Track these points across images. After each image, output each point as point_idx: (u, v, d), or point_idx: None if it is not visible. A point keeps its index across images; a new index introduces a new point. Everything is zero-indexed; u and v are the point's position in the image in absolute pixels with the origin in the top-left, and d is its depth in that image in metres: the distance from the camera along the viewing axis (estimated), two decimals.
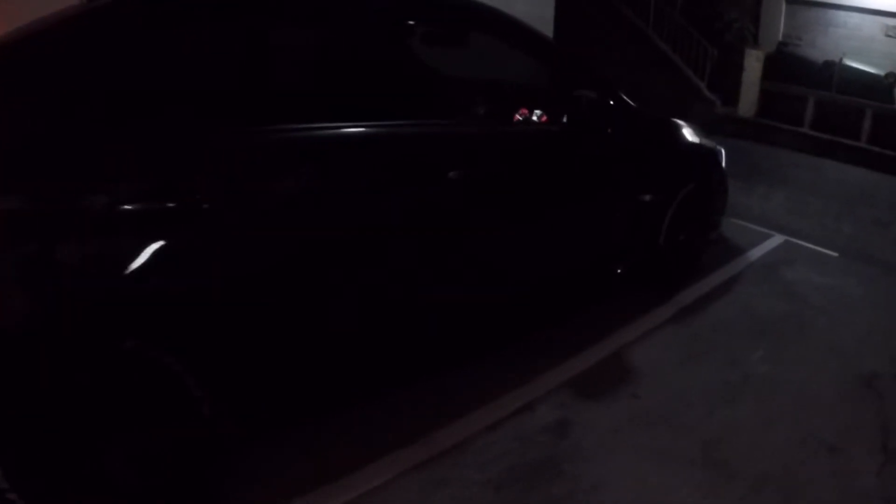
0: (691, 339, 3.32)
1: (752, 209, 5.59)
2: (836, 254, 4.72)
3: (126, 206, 1.78)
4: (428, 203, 2.41)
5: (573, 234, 3.03)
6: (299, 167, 2.12)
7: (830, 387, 3.00)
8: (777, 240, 4.93)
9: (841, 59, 8.07)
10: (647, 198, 3.34)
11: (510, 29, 2.83)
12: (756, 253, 4.61)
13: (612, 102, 3.05)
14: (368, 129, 2.29)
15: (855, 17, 7.96)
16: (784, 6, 8.69)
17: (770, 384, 2.98)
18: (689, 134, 3.89)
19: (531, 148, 2.84)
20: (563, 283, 3.16)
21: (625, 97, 3.28)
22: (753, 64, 8.41)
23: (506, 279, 2.82)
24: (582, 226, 3.06)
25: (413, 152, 2.39)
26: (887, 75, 7.96)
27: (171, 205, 1.83)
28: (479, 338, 2.93)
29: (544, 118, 3.23)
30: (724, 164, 4.10)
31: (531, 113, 3.31)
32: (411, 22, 2.53)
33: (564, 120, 2.92)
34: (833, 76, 8.03)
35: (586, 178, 3.00)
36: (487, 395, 2.72)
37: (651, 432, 2.61)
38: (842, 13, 8.28)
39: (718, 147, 4.07)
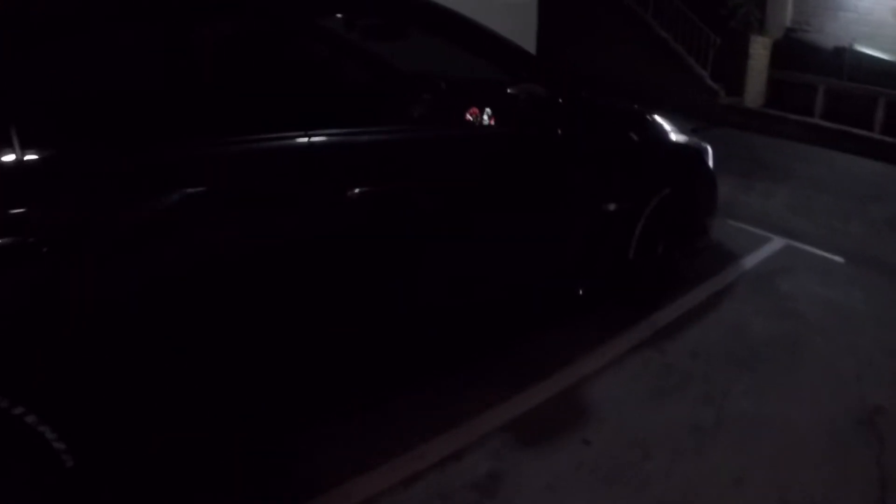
0: (663, 369, 2.85)
1: (752, 209, 5.07)
2: (842, 259, 4.19)
3: None
4: (326, 226, 1.99)
5: (513, 250, 2.57)
6: (171, 191, 1.71)
7: (822, 427, 2.51)
8: (777, 244, 4.42)
9: (851, 45, 7.45)
10: (611, 207, 2.86)
11: (434, 16, 2.38)
12: (751, 260, 4.10)
13: (562, 100, 2.58)
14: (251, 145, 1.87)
15: (866, 1, 7.33)
16: None
17: (750, 426, 2.51)
18: (666, 132, 3.40)
19: (461, 154, 2.39)
20: (501, 306, 2.69)
21: (584, 93, 2.82)
22: (760, 51, 7.81)
23: (428, 303, 2.38)
24: (524, 241, 2.59)
25: (309, 167, 1.96)
26: None
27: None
28: (398, 370, 2.50)
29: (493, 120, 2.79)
30: (711, 164, 3.61)
31: (482, 113, 2.87)
32: (318, 15, 2.12)
33: (498, 122, 2.47)
34: (844, 63, 7.42)
35: (528, 186, 2.54)
36: (407, 442, 2.30)
37: (597, 490, 2.16)
38: None
39: (704, 145, 3.58)
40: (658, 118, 3.56)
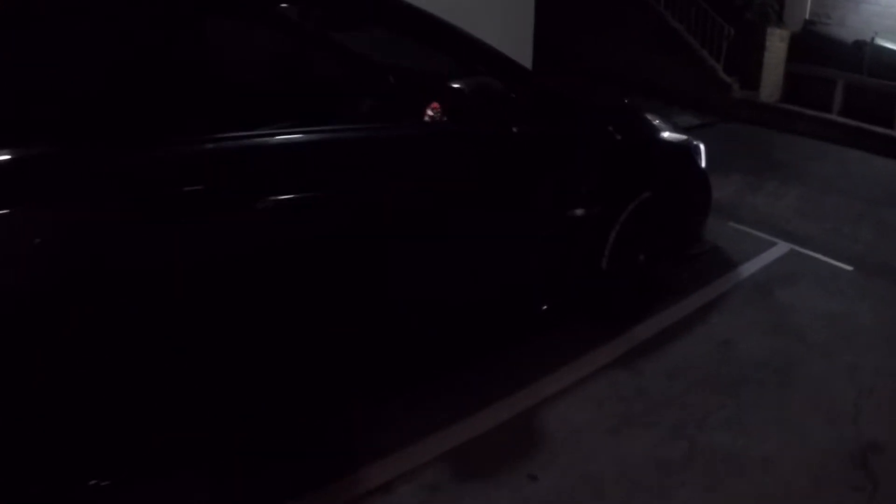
0: (635, 393, 2.53)
1: (757, 210, 4.68)
2: (850, 267, 3.80)
3: None
4: (233, 238, 1.73)
5: (459, 262, 2.26)
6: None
7: (808, 467, 2.18)
8: (780, 249, 4.04)
9: (873, 39, 6.93)
10: (578, 213, 2.54)
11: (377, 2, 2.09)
12: (751, 267, 3.74)
13: (520, 95, 2.27)
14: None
15: None
16: None
17: (724, 463, 2.18)
18: (653, 130, 3.07)
19: (398, 155, 2.09)
20: (447, 324, 2.38)
21: (549, 86, 2.50)
22: (777, 44, 7.32)
23: (361, 322, 2.09)
24: (473, 252, 2.28)
25: (220, 170, 1.70)
26: None
27: None
28: (331, 392, 2.21)
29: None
30: (703, 164, 3.26)
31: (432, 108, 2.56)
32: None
33: (445, 118, 2.17)
34: (864, 57, 6.90)
35: (478, 190, 2.23)
36: (336, 469, 2.03)
37: None
38: None
39: (695, 143, 3.23)
40: (647, 115, 3.22)
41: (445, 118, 2.20)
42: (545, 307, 2.63)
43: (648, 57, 7.99)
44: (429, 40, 2.17)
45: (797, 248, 4.05)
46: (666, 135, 3.11)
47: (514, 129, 2.27)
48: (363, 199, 1.95)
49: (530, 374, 2.54)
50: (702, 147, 3.25)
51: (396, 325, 2.16)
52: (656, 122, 3.16)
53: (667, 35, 7.88)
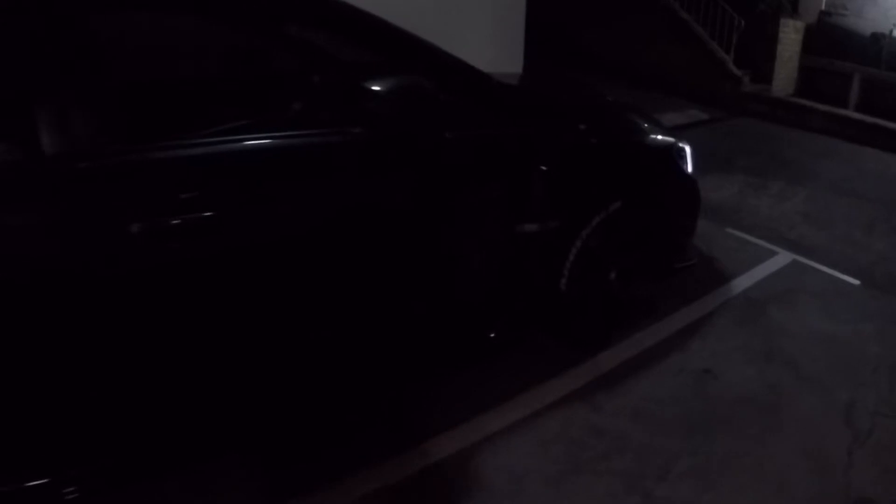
0: (590, 433, 2.18)
1: (759, 214, 4.28)
2: (857, 282, 3.40)
3: None
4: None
5: (384, 285, 1.93)
6: None
7: None
8: (781, 259, 3.64)
9: (891, 32, 6.43)
10: (530, 228, 2.19)
11: None
12: (745, 281, 3.35)
13: (452, 95, 1.94)
14: None
15: None
16: None
17: None
18: (629, 130, 2.70)
19: (290, 167, 1.75)
20: (372, 354, 2.04)
21: (502, 84, 2.16)
22: (791, 36, 6.84)
23: (266, 356, 1.78)
24: (398, 275, 1.95)
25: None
26: None
27: None
28: (231, 428, 1.90)
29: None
30: (690, 167, 2.87)
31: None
32: None
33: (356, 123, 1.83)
34: (882, 51, 6.41)
35: (402, 204, 1.90)
36: None
37: None
38: None
39: (680, 145, 2.84)
40: (631, 114, 2.86)
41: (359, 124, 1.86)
42: (492, 334, 2.29)
43: (656, 48, 7.57)
44: (341, 33, 1.84)
45: (800, 258, 3.65)
46: (650, 136, 2.74)
47: (448, 135, 1.93)
48: (252, 219, 1.63)
49: (473, 407, 2.20)
50: (688, 149, 2.86)
51: (297, 358, 1.85)
52: (640, 121, 2.79)
53: (675, 26, 7.44)
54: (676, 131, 6.19)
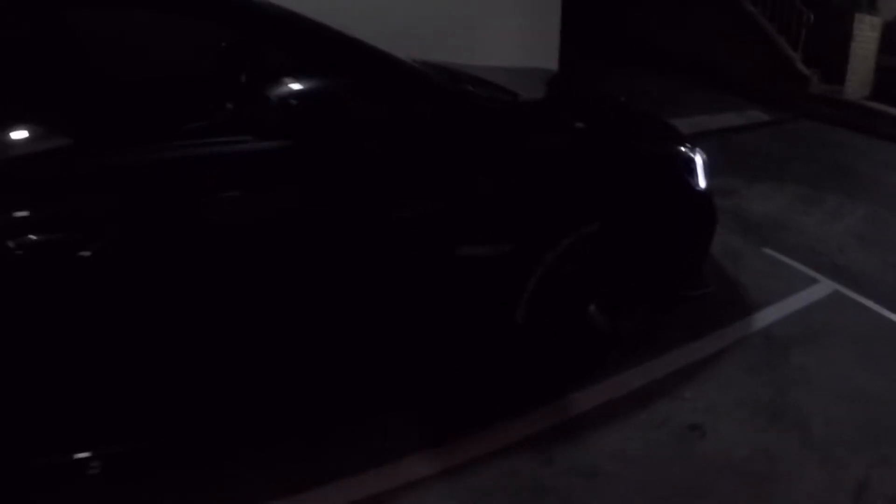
0: (531, 491, 1.80)
1: (806, 234, 3.70)
2: None
3: None
4: None
5: (278, 313, 1.64)
6: None
7: None
8: (821, 290, 3.10)
9: None
10: (475, 250, 1.83)
11: None
12: (771, 314, 2.84)
13: (377, 99, 1.61)
14: None
15: None
16: None
17: None
18: (614, 135, 2.26)
19: (190, 181, 1.48)
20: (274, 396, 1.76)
21: (452, 85, 1.82)
22: (867, 34, 5.99)
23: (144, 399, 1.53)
24: (305, 305, 1.66)
25: None
26: None
27: None
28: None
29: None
30: (702, 181, 2.41)
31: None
32: None
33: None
34: None
35: (290, 229, 1.59)
36: None
37: None
38: None
39: (687, 154, 2.38)
40: (634, 116, 2.43)
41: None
42: (433, 368, 1.95)
43: (717, 42, 6.89)
44: (242, 28, 1.54)
45: (844, 289, 3.09)
46: (648, 145, 2.30)
47: (368, 144, 1.60)
48: (130, 242, 1.38)
49: (402, 449, 1.89)
50: (698, 160, 2.40)
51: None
52: (641, 126, 2.36)
53: (739, 18, 6.71)
54: (730, 133, 5.70)
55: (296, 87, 1.55)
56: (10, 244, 1.32)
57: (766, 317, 2.82)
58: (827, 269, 3.28)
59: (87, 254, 1.36)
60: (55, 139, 1.44)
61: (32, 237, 1.33)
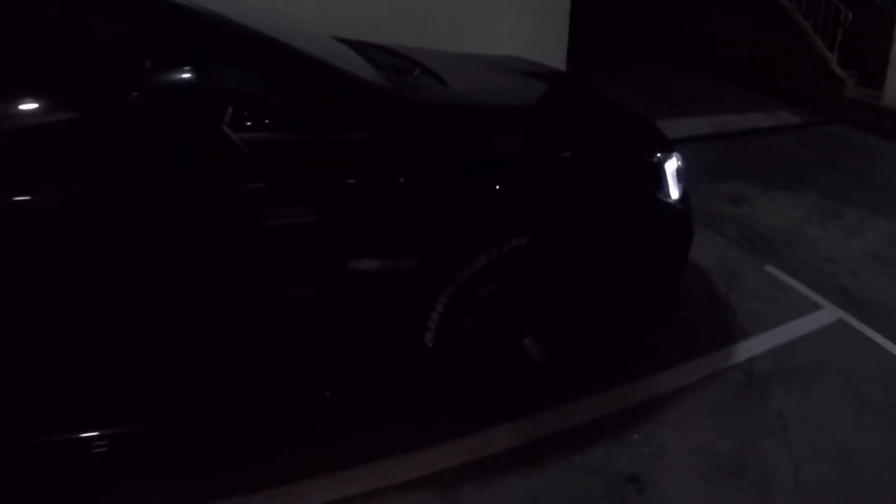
0: None
1: (817, 251, 3.27)
2: None
3: None
4: None
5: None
6: None
7: None
8: (823, 317, 2.69)
9: None
10: (370, 265, 1.54)
11: None
12: (759, 344, 2.46)
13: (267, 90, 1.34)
14: None
15: None
16: None
17: None
18: (563, 129, 1.92)
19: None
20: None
21: (348, 73, 1.53)
22: None
23: None
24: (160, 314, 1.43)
25: None
26: None
27: None
28: None
29: None
30: (671, 191, 2.04)
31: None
32: None
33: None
34: None
35: (164, 232, 1.37)
36: None
37: None
38: None
39: (651, 159, 2.01)
40: (613, 112, 2.09)
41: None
42: (328, 393, 1.68)
43: (748, 37, 6.38)
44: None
45: (850, 318, 2.68)
46: (597, 150, 1.95)
47: (242, 148, 1.34)
48: None
49: (290, 475, 1.62)
50: (668, 167, 2.03)
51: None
52: (625, 127, 2.02)
53: (772, 12, 6.18)
54: (755, 135, 5.22)
55: (162, 79, 1.31)
56: None
57: (750, 347, 2.44)
58: (834, 293, 2.86)
59: None
60: None
61: None
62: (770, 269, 3.07)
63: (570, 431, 1.92)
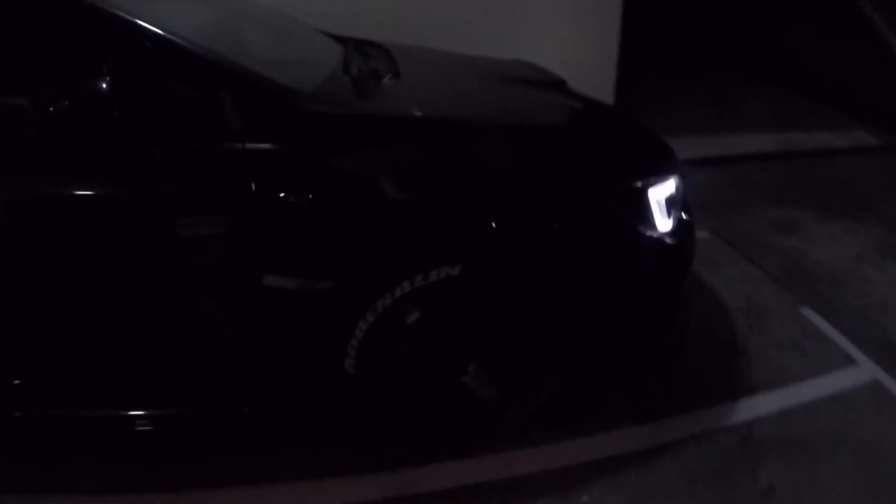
0: None
1: (867, 294, 2.82)
2: None
3: None
4: None
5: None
6: None
7: None
8: (855, 376, 2.30)
9: None
10: (285, 283, 1.40)
11: None
12: (767, 403, 2.11)
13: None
14: None
15: None
16: None
17: None
18: (521, 146, 1.67)
19: None
20: None
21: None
22: None
23: None
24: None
25: None
26: None
27: None
28: None
29: None
30: (658, 222, 1.73)
31: None
32: None
33: None
34: None
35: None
36: None
37: None
38: None
39: (631, 184, 1.71)
40: (607, 125, 1.86)
41: None
42: (246, 408, 1.54)
43: (827, 48, 5.73)
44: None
45: (886, 379, 2.27)
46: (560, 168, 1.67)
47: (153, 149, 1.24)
48: None
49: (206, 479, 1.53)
50: (657, 192, 1.73)
51: None
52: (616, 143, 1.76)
53: (852, 21, 5.51)
54: (823, 157, 4.66)
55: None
56: None
57: (755, 406, 2.09)
58: (875, 346, 2.44)
59: None
60: None
61: None
62: (806, 311, 2.66)
63: (509, 482, 1.69)
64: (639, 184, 1.71)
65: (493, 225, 1.49)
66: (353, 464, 1.69)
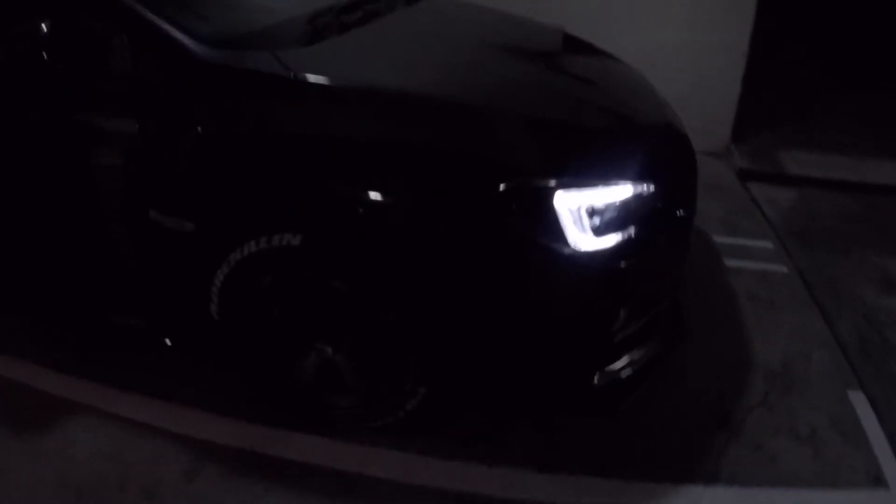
0: None
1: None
2: None
3: None
4: None
5: None
6: None
7: None
8: (875, 502, 1.70)
9: None
10: (164, 221, 1.54)
11: None
12: (692, 499, 1.65)
13: None
14: None
15: None
16: None
17: None
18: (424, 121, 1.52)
19: None
20: None
21: None
22: None
23: None
24: None
25: None
26: None
27: None
28: None
29: None
30: (581, 234, 1.43)
31: None
32: None
33: None
34: None
35: None
36: None
37: None
38: None
39: (553, 181, 1.43)
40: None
41: None
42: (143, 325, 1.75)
43: None
44: None
45: None
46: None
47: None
48: None
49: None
50: (560, 199, 1.42)
51: None
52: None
53: None
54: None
55: None
56: None
57: (697, 500, 1.65)
58: None
59: None
60: None
61: None
62: (856, 398, 2.01)
63: (356, 477, 1.59)
64: (546, 183, 1.43)
65: (341, 199, 1.38)
66: (224, 405, 1.75)
